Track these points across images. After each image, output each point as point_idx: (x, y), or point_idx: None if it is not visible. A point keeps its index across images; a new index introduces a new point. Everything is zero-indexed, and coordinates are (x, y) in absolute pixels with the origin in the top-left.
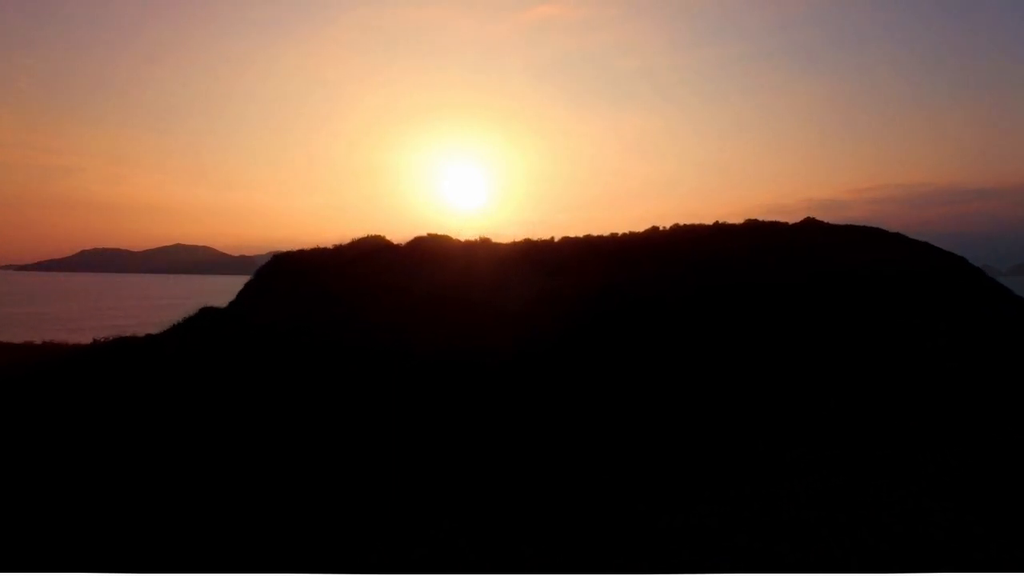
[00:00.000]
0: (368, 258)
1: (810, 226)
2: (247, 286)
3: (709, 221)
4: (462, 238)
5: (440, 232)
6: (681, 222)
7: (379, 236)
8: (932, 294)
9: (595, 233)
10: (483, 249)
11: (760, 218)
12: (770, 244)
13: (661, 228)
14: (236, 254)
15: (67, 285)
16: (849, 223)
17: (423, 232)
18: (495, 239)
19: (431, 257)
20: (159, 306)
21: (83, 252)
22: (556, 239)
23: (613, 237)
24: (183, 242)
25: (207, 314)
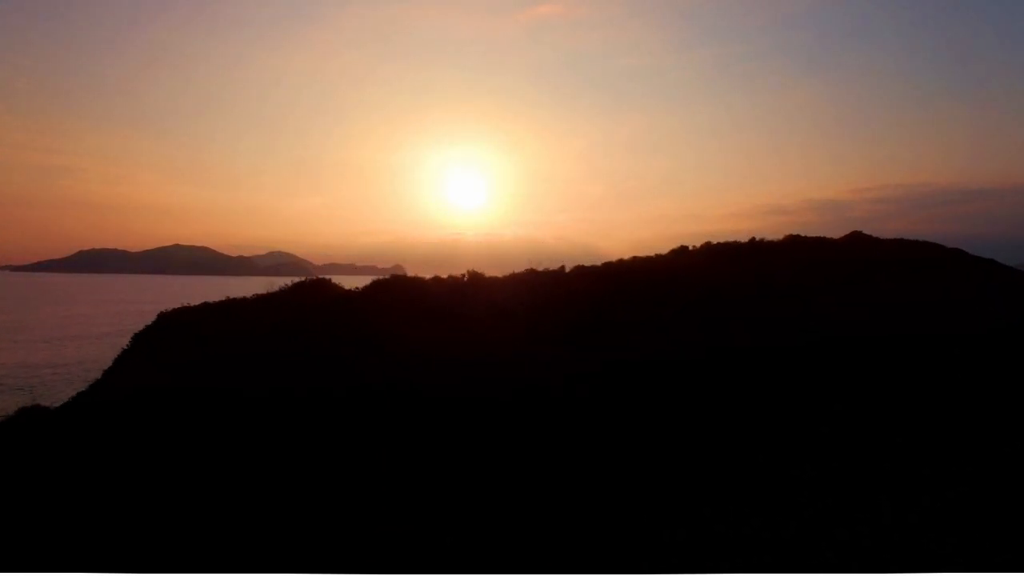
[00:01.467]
0: (300, 314)
1: (857, 243)
2: (119, 361)
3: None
4: (449, 266)
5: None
6: (712, 238)
7: (325, 280)
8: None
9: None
10: (471, 291)
11: (803, 233)
12: (818, 270)
13: (691, 248)
14: (235, 254)
15: (49, 286)
16: (880, 230)
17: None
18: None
19: (393, 310)
20: (145, 311)
21: (81, 252)
22: (567, 269)
23: (635, 263)
24: (181, 242)
25: (28, 416)
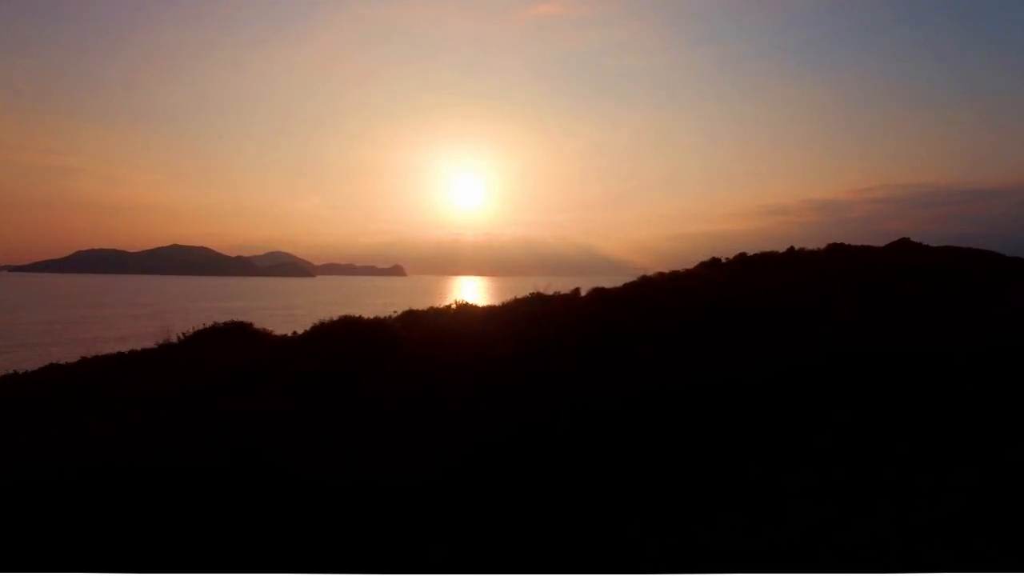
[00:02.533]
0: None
1: (905, 249)
2: None
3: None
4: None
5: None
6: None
7: (243, 323)
8: None
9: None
10: (459, 328)
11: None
12: (850, 279)
13: (724, 260)
14: (233, 254)
15: (43, 287)
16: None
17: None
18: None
19: (340, 377)
20: (137, 315)
21: (79, 253)
22: (582, 292)
23: (662, 280)
24: (180, 243)
25: None
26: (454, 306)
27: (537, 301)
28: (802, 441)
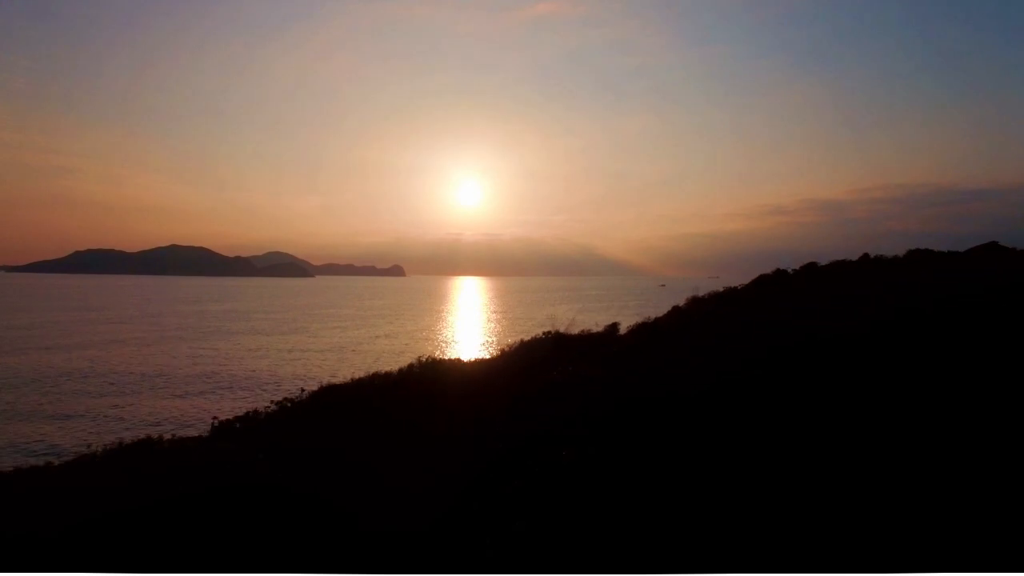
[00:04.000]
0: None
1: (988, 256)
2: None
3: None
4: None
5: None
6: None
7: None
8: None
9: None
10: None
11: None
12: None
13: (790, 271)
14: (232, 255)
15: (37, 288)
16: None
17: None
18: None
19: None
20: (126, 317)
21: (76, 253)
22: (621, 330)
23: (715, 299)
24: (179, 243)
25: None
26: (416, 365)
27: (553, 351)
28: (802, 444)
